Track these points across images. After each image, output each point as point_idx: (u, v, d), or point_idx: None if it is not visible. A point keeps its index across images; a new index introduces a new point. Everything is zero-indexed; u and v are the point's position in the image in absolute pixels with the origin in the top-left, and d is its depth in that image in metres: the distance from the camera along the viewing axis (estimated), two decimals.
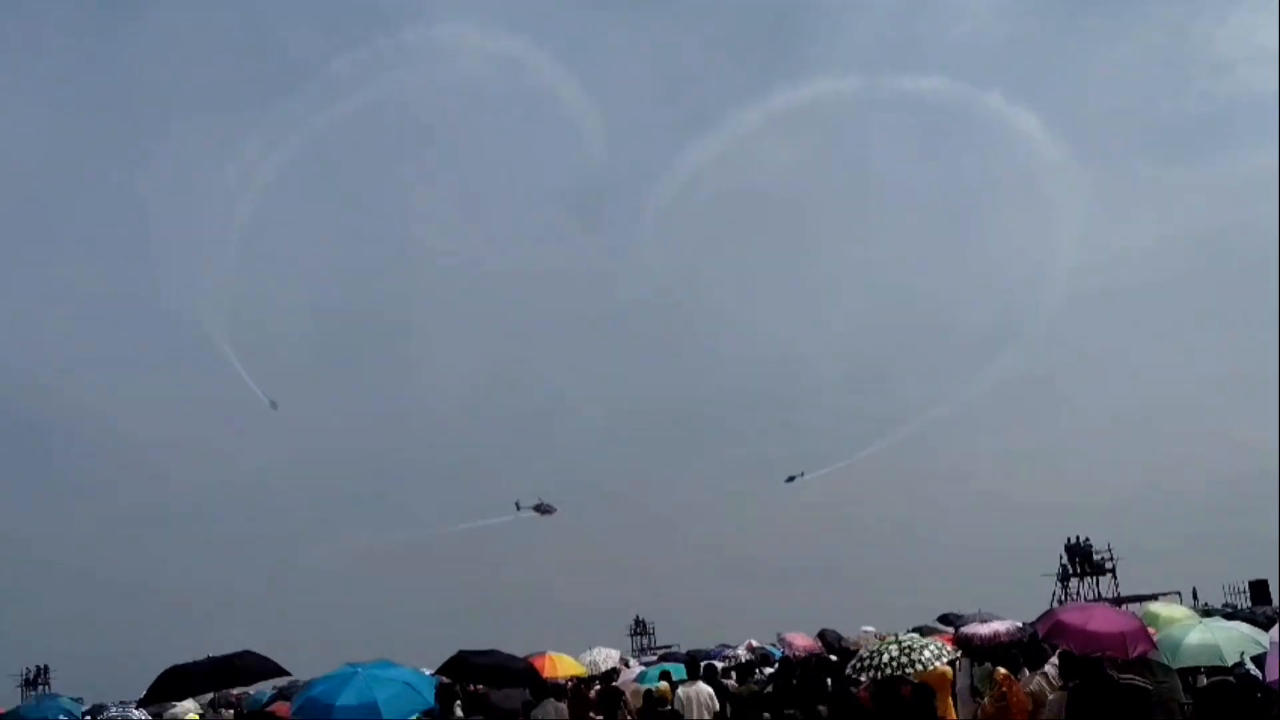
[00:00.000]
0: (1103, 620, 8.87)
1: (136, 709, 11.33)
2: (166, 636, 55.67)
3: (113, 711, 11.98)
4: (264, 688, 15.05)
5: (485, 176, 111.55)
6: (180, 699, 8.98)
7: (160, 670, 9.37)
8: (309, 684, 7.80)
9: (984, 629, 13.92)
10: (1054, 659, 11.45)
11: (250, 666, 9.12)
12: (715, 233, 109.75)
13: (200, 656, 9.71)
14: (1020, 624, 14.70)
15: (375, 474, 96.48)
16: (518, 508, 62.98)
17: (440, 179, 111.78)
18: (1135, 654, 8.77)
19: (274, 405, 62.62)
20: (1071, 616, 9.11)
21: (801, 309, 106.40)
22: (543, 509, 63.27)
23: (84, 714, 11.61)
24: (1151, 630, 10.34)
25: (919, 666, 9.64)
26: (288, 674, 8.44)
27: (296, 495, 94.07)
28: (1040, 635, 9.49)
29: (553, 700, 12.27)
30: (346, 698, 7.20)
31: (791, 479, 65.34)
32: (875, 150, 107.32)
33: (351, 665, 7.79)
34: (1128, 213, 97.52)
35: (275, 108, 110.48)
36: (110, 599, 78.94)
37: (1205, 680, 10.17)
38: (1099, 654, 8.67)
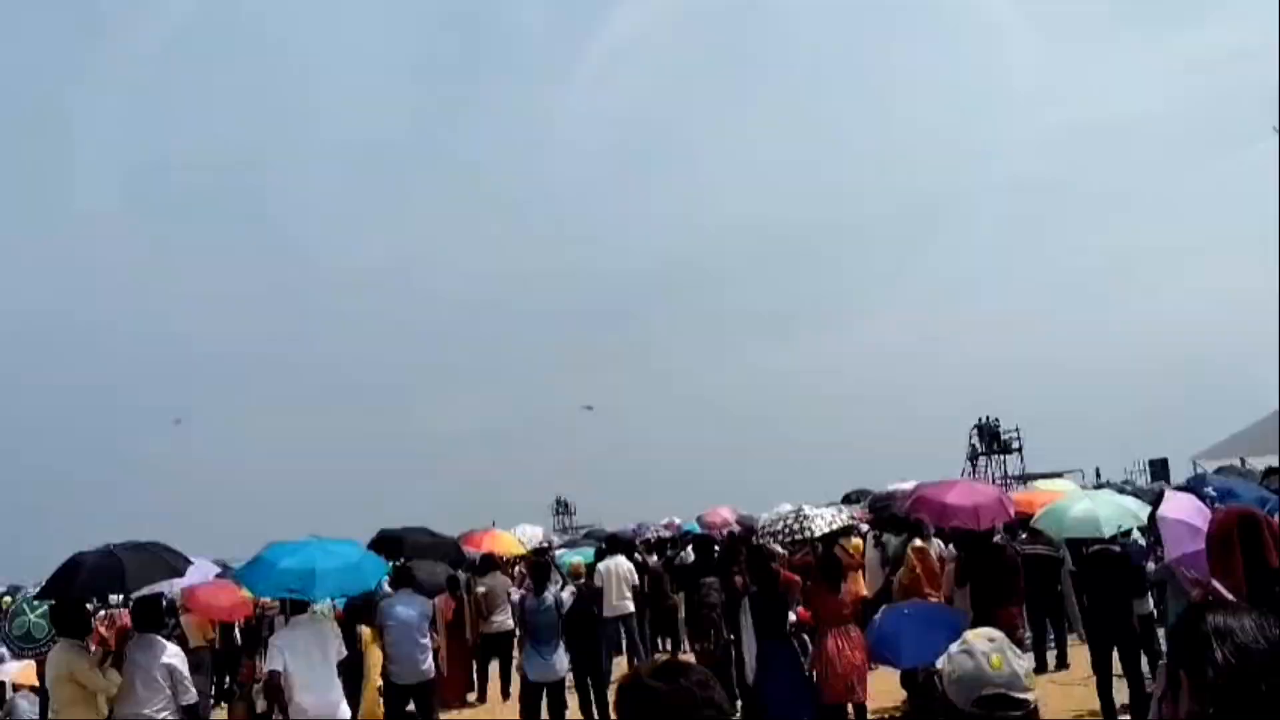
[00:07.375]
0: (959, 494, 9.59)
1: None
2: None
3: (31, 591, 10.62)
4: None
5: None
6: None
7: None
8: (269, 546, 8.24)
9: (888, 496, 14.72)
10: None
11: (145, 565, 7.32)
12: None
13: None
14: None
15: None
16: None
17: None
18: (986, 526, 9.45)
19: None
20: (931, 491, 9.83)
21: (735, 184, 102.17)
22: None
23: (1, 594, 11.06)
24: (1030, 503, 11.16)
25: (808, 534, 10.54)
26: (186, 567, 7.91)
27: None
28: (904, 511, 10.32)
29: (498, 572, 13.64)
30: (290, 562, 7.22)
31: None
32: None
33: (317, 537, 7.73)
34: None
35: None
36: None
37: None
38: (952, 526, 9.79)
